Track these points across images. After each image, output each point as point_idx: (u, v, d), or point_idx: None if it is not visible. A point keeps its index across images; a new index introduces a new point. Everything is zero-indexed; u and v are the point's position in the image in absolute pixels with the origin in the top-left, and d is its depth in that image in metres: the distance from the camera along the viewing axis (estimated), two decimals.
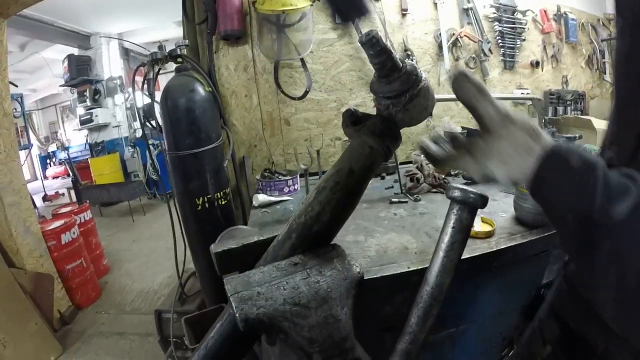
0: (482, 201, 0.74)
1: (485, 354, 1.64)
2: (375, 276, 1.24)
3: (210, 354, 0.71)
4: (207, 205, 2.13)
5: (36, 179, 12.36)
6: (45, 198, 9.14)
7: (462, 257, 1.15)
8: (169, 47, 2.17)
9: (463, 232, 0.75)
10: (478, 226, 1.46)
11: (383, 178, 2.42)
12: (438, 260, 0.75)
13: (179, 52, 2.11)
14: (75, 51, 7.84)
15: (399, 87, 0.71)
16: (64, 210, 4.28)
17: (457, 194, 0.74)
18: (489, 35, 2.76)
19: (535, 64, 2.97)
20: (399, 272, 1.26)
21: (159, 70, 2.20)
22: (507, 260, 1.39)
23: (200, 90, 2.07)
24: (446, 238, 0.75)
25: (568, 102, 3.05)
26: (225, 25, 2.33)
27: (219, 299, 2.34)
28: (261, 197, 2.08)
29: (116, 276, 4.57)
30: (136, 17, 7.26)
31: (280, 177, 2.28)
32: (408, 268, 1.26)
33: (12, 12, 3.13)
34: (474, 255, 1.32)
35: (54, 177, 12.39)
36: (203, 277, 2.42)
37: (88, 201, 4.85)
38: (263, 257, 0.78)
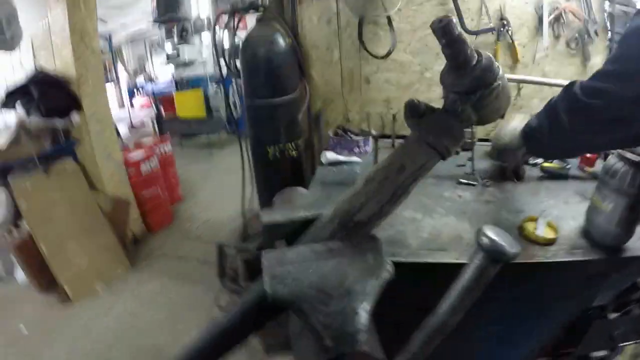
0: (509, 257, 0.65)
1: (516, 347, 1.58)
2: (420, 260, 1.21)
3: (241, 313, 0.75)
4: (277, 154, 2.19)
5: (123, 107, 13.25)
6: (131, 126, 9.83)
7: (515, 262, 1.11)
8: None
9: (482, 282, 0.69)
10: (541, 231, 1.33)
11: (457, 153, 2.29)
12: (450, 299, 0.70)
13: (260, 2, 2.11)
14: None
15: (469, 83, 0.65)
16: (145, 140, 4.61)
17: (485, 241, 0.66)
18: (597, 15, 2.37)
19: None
20: (446, 261, 1.20)
21: (239, 19, 2.22)
22: (562, 275, 1.30)
23: (280, 42, 2.08)
24: (464, 281, 0.70)
25: None
26: None
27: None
28: (330, 155, 2.08)
29: (188, 205, 4.92)
30: None
31: (352, 136, 2.26)
32: (456, 259, 1.20)
33: None
34: (527, 261, 1.22)
35: (140, 107, 13.18)
36: None
37: (169, 134, 5.17)
38: (305, 234, 0.80)
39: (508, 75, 2.18)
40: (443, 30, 0.63)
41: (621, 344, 1.49)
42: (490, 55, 0.67)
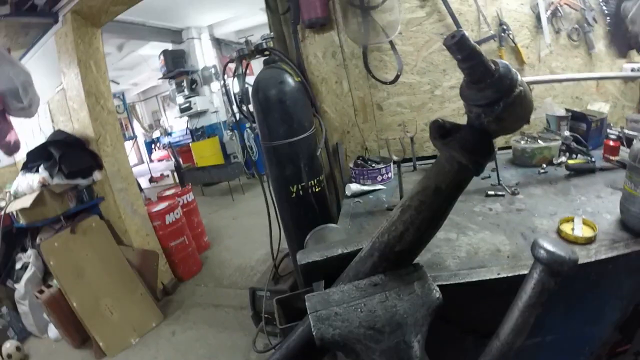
0: (570, 266, 0.64)
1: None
2: (462, 281, 1.19)
3: (286, 357, 0.74)
4: (301, 192, 2.18)
5: (142, 162, 13.64)
6: (151, 179, 10.07)
7: None
8: (258, 33, 2.21)
9: (543, 296, 0.66)
10: (579, 230, 1.31)
11: None
12: (513, 318, 0.67)
13: (264, 46, 2.15)
14: (169, 46, 8.36)
15: (491, 95, 0.62)
16: (168, 192, 4.72)
17: (542, 253, 0.64)
18: (592, 1, 2.36)
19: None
20: (488, 277, 1.18)
21: (247, 65, 2.28)
22: (607, 272, 1.25)
23: (290, 81, 2.11)
24: (525, 297, 0.67)
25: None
26: (309, 14, 2.33)
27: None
28: (354, 187, 2.09)
29: (216, 251, 4.93)
30: (224, 8, 7.52)
31: (373, 165, 2.26)
32: (498, 274, 1.18)
33: (104, 21, 3.52)
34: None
35: (159, 160, 13.55)
36: (296, 258, 2.52)
37: (190, 184, 5.26)
38: (345, 271, 0.79)
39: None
40: (458, 46, 0.61)
41: None
42: (507, 63, 0.65)
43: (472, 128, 0.67)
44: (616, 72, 2.47)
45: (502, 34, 2.35)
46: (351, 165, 2.31)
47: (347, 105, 2.56)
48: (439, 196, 0.69)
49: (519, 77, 0.64)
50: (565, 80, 2.37)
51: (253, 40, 2.20)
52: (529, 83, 2.21)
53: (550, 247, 0.64)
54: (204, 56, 8.63)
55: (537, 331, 1.24)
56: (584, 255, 1.20)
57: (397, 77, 2.43)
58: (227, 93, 2.33)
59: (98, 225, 3.47)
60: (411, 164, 2.24)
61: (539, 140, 2.06)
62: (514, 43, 2.37)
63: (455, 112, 2.55)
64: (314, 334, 0.65)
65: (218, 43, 9.17)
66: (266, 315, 2.78)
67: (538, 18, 2.36)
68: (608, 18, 2.39)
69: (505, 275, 1.17)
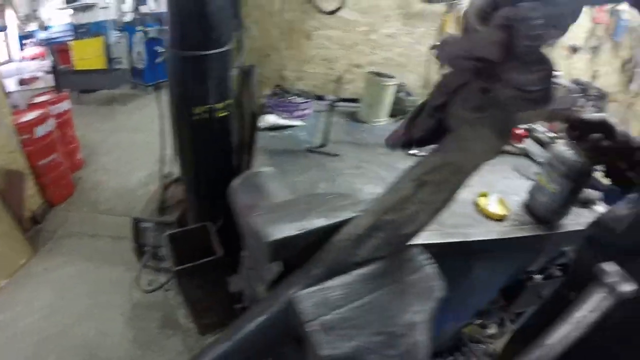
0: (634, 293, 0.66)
1: (459, 319, 1.78)
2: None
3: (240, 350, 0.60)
4: (204, 115, 1.88)
5: (12, 61, 11.68)
6: (22, 82, 8.62)
7: (477, 239, 1.31)
8: None
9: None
10: (494, 207, 1.45)
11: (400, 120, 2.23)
12: (564, 331, 0.66)
13: None
14: None
15: (537, 82, 0.52)
16: (40, 99, 3.89)
17: (610, 279, 0.66)
18: None
19: (575, 50, 2.84)
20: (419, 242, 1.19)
21: None
22: (510, 250, 1.42)
23: None
24: (586, 318, 0.66)
25: (590, 98, 2.86)
26: None
27: (203, 213, 2.20)
28: (271, 119, 1.86)
29: (91, 171, 4.30)
30: None
31: (295, 97, 2.04)
32: (428, 240, 1.17)
33: None
34: (486, 238, 1.32)
35: (32, 59, 11.70)
36: (189, 188, 2.25)
37: (66, 90, 4.48)
38: (325, 251, 0.64)
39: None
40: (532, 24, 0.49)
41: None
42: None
43: (506, 110, 0.57)
44: None
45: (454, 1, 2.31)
46: (267, 93, 2.06)
47: (273, 26, 2.24)
48: (460, 176, 0.61)
49: None
50: None
51: None
52: None
53: (618, 278, 0.67)
54: None
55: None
56: (497, 232, 1.36)
57: (338, 9, 2.18)
58: None
59: None
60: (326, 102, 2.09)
61: None
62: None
63: (385, 61, 2.43)
64: (322, 354, 0.50)
65: None
66: (151, 248, 2.58)
67: None
68: None
69: (434, 242, 1.23)
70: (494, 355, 1.91)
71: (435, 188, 0.61)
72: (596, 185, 1.56)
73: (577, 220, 1.52)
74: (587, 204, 1.66)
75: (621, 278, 0.67)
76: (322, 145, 1.73)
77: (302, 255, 0.65)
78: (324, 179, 1.50)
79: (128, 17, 7.02)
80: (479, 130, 0.59)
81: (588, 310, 0.66)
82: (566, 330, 0.65)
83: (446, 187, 0.61)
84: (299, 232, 0.65)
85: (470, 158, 0.60)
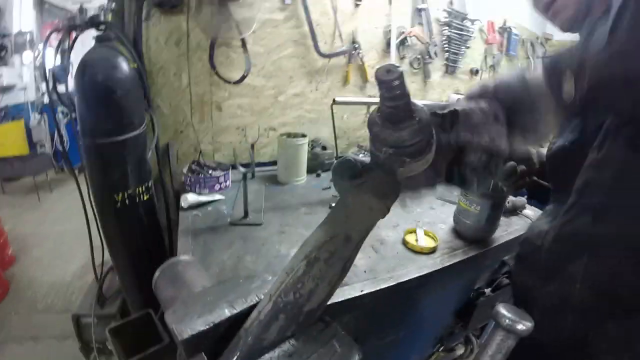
0: (530, 330, 0.73)
1: (420, 352, 1.83)
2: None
3: None
4: (127, 201, 1.82)
5: None
6: None
7: (411, 277, 1.32)
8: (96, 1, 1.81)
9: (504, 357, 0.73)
10: (422, 241, 1.50)
11: (319, 175, 2.31)
12: None
13: (102, 19, 1.75)
14: None
15: (409, 138, 0.56)
16: None
17: (506, 322, 0.72)
18: (436, 38, 2.77)
19: (475, 72, 3.08)
20: (353, 295, 1.23)
21: (75, 38, 1.85)
22: (450, 276, 1.45)
23: (125, 67, 1.71)
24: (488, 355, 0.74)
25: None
26: None
27: (142, 300, 2.10)
28: (190, 197, 1.85)
29: (24, 267, 3.97)
30: None
31: (211, 172, 2.05)
32: (361, 291, 1.24)
33: None
34: (421, 274, 1.35)
35: None
36: (124, 276, 2.14)
37: None
38: (238, 338, 0.65)
39: (340, 99, 2.32)
40: (391, 84, 0.51)
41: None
42: (423, 105, 0.59)
43: (383, 171, 0.62)
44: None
45: (353, 52, 2.47)
46: (184, 170, 2.06)
47: (184, 102, 2.25)
48: (350, 244, 0.64)
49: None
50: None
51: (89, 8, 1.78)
52: (346, 103, 2.43)
53: (512, 315, 0.73)
54: (21, 18, 6.94)
55: (392, 330, 1.51)
56: (431, 265, 1.40)
57: (244, 77, 2.26)
58: (43, 68, 1.85)
59: None
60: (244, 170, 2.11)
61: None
62: (362, 62, 2.52)
63: (296, 120, 2.54)
64: None
65: (41, 4, 7.67)
66: (98, 346, 2.34)
67: (388, 43, 2.58)
68: (447, 54, 2.83)
69: (368, 291, 1.24)
70: None
71: (327, 262, 0.62)
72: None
73: (509, 229, 1.65)
74: (514, 211, 1.80)
75: (517, 317, 0.73)
76: (244, 217, 1.74)
77: (220, 344, 0.66)
78: (250, 251, 1.50)
79: (46, 98, 6.79)
80: (360, 196, 0.63)
81: (491, 353, 0.73)
82: None
83: (338, 259, 0.63)
84: (207, 327, 0.66)
85: (356, 225, 0.63)
